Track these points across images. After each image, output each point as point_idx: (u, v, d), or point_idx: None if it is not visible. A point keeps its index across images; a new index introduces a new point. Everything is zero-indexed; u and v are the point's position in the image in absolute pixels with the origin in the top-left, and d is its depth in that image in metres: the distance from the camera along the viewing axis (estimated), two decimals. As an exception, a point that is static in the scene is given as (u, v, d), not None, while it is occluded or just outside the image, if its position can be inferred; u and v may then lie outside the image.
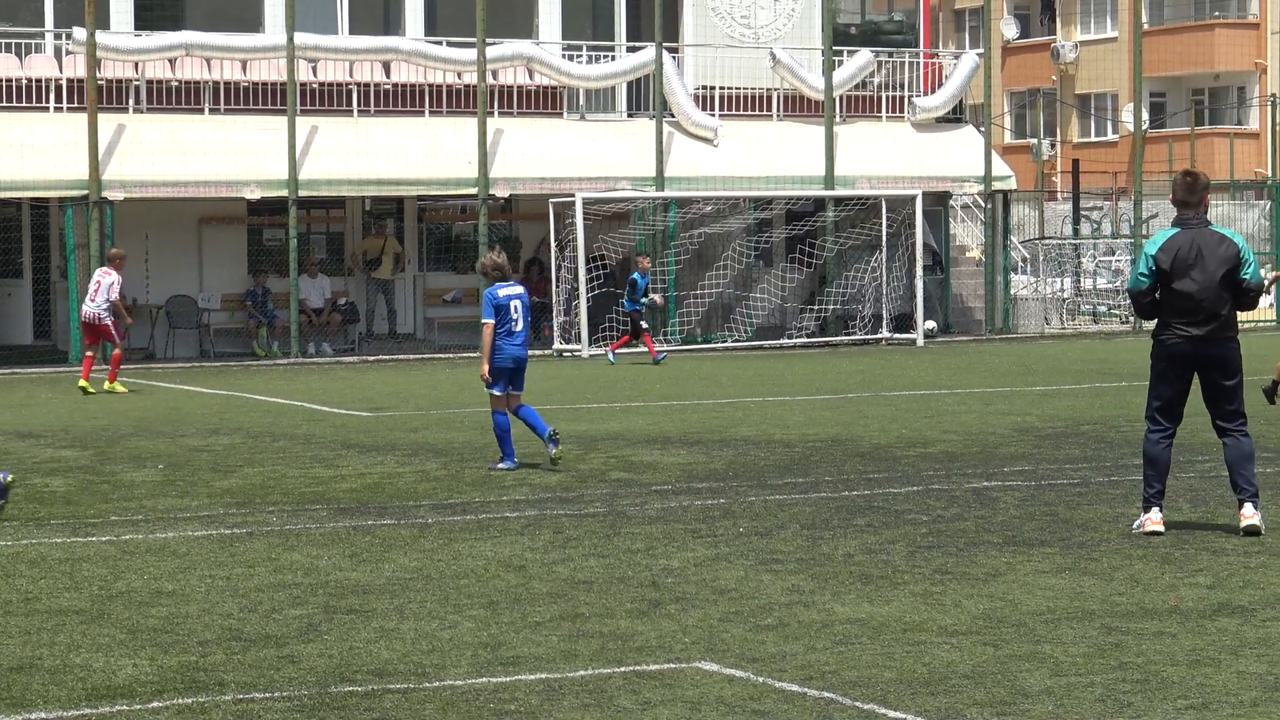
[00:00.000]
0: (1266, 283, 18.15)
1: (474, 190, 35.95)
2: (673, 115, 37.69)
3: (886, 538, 12.93)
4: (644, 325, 32.52)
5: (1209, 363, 12.71)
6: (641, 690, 8.66)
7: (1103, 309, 44.72)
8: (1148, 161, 50.52)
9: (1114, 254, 46.83)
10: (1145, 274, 12.65)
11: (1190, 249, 12.56)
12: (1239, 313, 12.88)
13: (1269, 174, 61.65)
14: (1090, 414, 21.74)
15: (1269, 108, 63.52)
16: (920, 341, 37.02)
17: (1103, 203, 55.06)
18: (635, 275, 32.62)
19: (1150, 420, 12.91)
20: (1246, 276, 12.65)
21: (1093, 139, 72.59)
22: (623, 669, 9.10)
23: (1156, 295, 12.73)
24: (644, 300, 32.40)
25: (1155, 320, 12.97)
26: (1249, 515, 12.69)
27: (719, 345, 36.40)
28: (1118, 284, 44.94)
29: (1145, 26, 52.34)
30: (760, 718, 8.16)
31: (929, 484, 15.77)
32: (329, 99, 36.39)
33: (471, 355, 34.37)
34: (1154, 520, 12.75)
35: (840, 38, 39.90)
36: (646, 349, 32.50)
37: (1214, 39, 69.72)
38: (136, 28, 35.30)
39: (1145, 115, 54.13)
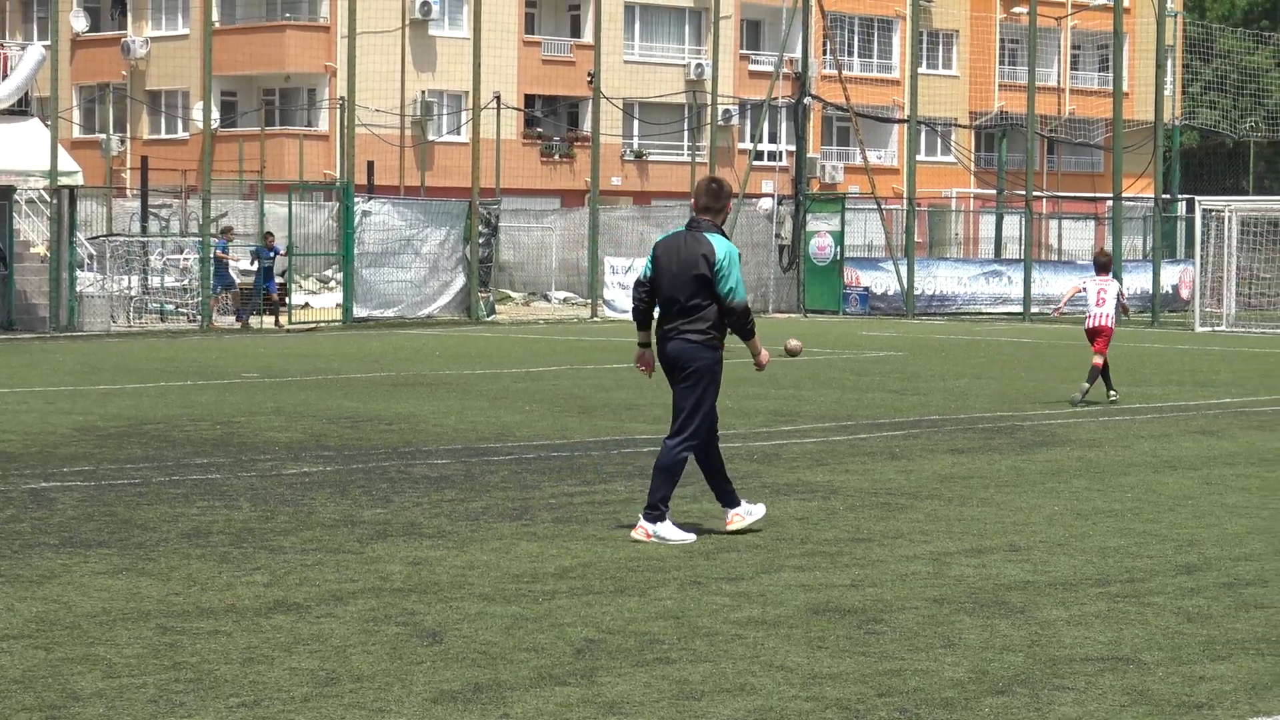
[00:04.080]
0: None
1: None
2: None
3: (-64, 542, 12.39)
4: None
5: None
6: None
7: (170, 307, 44.57)
8: (218, 160, 50.73)
9: (183, 252, 46.76)
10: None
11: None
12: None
13: (338, 175, 63.00)
14: (154, 413, 21.56)
15: (339, 110, 64.87)
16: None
17: (172, 200, 54.93)
18: None
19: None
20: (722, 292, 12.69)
21: (164, 136, 72.43)
22: None
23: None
24: None
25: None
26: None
27: None
28: (186, 282, 44.91)
29: (216, 25, 52.58)
30: None
31: (-15, 485, 15.23)
32: None
33: None
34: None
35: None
36: None
37: (285, 40, 70.77)
38: None
39: (215, 114, 54.30)
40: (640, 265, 52.55)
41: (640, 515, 12.84)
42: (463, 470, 16.52)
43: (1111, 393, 23.91)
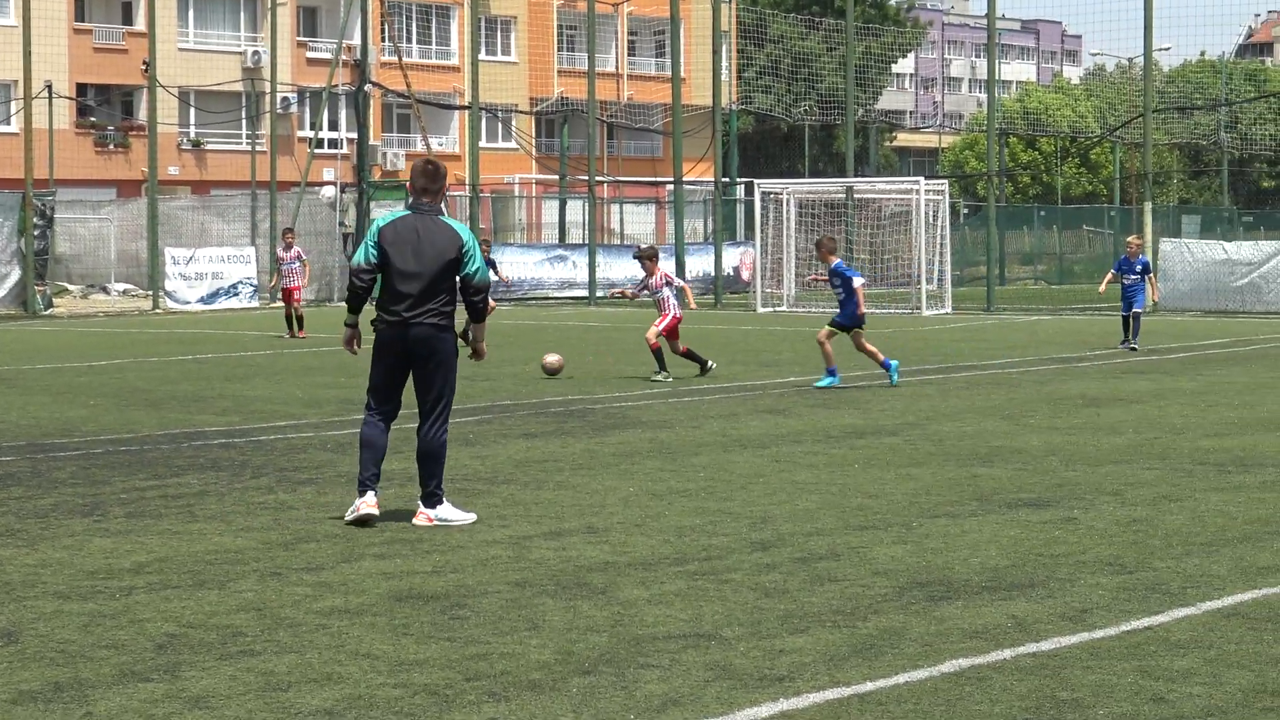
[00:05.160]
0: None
1: None
2: None
3: None
4: None
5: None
6: None
7: None
8: None
9: None
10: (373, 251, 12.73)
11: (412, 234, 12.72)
12: None
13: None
14: None
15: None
16: None
17: None
18: None
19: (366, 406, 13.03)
20: (469, 272, 12.76)
21: None
22: None
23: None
24: None
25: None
26: (419, 516, 12.86)
27: None
28: None
29: None
30: None
31: None
32: None
33: None
34: (369, 503, 12.65)
35: None
36: None
37: None
38: None
39: None
40: (207, 255, 51.73)
41: (419, 502, 12.89)
42: (28, 467, 16.05)
43: (664, 374, 24.85)
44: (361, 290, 12.94)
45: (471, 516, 12.94)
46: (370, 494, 12.83)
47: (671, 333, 25.19)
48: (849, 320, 24.06)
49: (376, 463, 12.89)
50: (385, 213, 53.15)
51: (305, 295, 41.00)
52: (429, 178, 12.98)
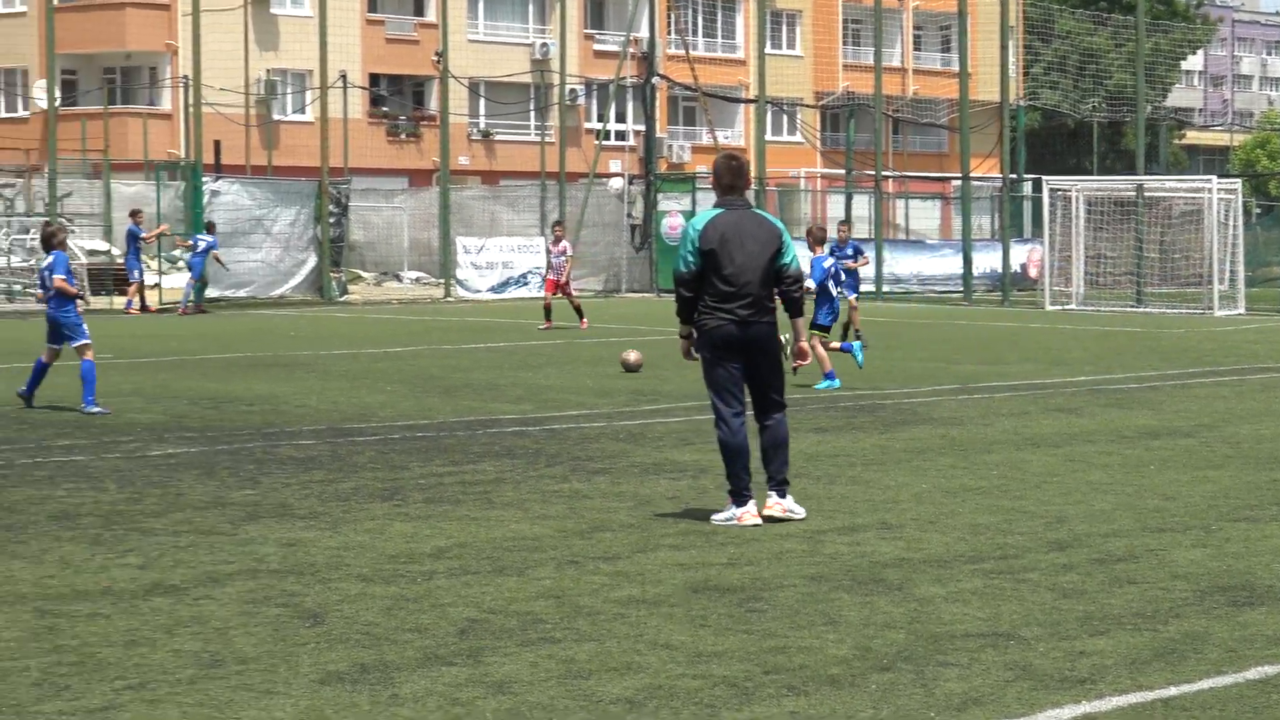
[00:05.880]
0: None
1: None
2: None
3: None
4: None
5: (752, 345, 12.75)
6: None
7: (18, 287, 43.89)
8: (61, 139, 49.99)
9: (29, 233, 46.08)
10: (691, 256, 12.66)
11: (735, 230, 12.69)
12: None
13: (182, 154, 62.29)
14: (9, 395, 21.23)
15: (181, 89, 64.09)
16: None
17: (15, 180, 54.10)
18: None
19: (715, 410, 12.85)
20: (786, 261, 12.79)
21: (3, 115, 71.29)
22: None
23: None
24: None
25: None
26: (773, 505, 12.73)
27: None
28: (33, 262, 44.27)
29: (56, 3, 51.80)
30: None
31: None
32: None
33: None
34: (751, 513, 12.59)
35: None
36: None
37: (125, 18, 69.89)
38: None
39: (57, 92, 53.56)
40: (497, 245, 52.29)
41: (771, 493, 12.79)
42: (329, 451, 16.41)
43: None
44: (690, 298, 12.79)
45: (802, 511, 12.93)
46: (753, 503, 12.70)
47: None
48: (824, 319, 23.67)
49: (748, 469, 12.77)
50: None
51: (593, 286, 41.31)
52: (734, 174, 12.96)
